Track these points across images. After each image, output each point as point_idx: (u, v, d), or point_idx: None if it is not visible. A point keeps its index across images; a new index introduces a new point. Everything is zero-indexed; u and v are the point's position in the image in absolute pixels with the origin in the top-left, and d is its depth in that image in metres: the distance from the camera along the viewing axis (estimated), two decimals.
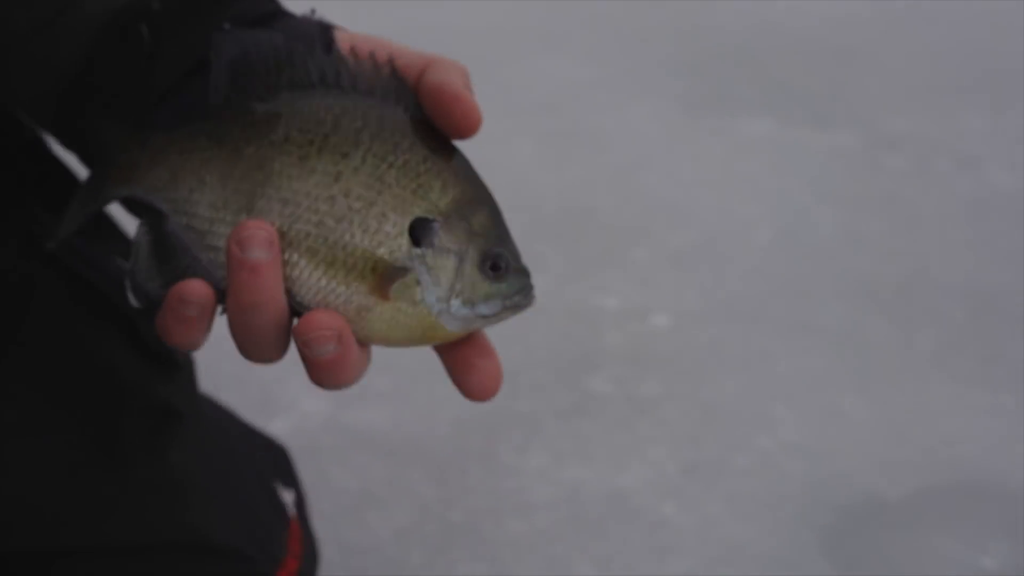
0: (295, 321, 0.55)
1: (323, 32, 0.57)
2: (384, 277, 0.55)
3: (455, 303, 0.56)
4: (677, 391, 1.27)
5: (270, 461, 0.91)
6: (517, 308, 0.57)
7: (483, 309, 0.56)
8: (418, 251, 0.56)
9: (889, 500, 1.14)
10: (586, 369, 1.31)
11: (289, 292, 0.55)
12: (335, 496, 1.13)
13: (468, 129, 0.55)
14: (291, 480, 0.92)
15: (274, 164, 0.55)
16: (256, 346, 0.55)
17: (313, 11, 0.58)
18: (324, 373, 0.54)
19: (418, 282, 0.55)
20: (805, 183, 1.69)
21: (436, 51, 0.58)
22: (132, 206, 0.60)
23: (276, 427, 1.20)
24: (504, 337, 1.35)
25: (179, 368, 0.75)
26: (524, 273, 0.57)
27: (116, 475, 0.72)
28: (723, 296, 1.44)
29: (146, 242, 0.56)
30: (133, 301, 0.55)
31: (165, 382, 0.74)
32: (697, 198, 1.64)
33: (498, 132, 1.84)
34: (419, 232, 0.56)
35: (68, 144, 0.62)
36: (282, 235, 0.55)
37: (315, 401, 1.24)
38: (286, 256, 0.55)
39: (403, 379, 1.28)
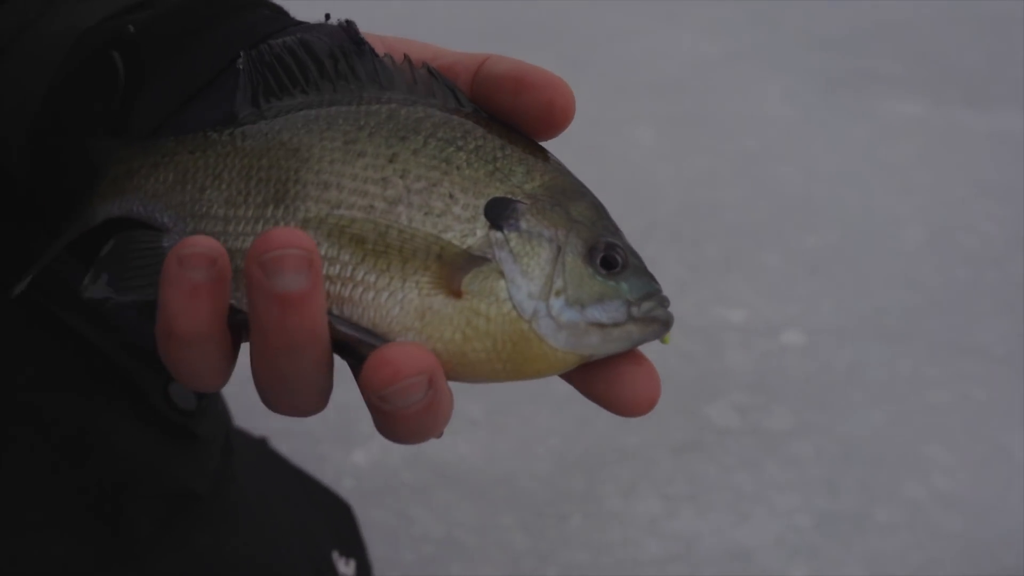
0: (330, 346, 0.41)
1: (348, 33, 0.46)
2: (453, 266, 0.42)
3: (556, 302, 0.42)
4: (811, 424, 1.11)
5: (329, 527, 0.79)
6: (650, 324, 0.43)
7: (597, 313, 0.42)
8: (499, 235, 0.42)
9: None
10: (705, 396, 1.15)
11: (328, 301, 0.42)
12: (415, 544, 1.00)
13: (562, 117, 0.44)
14: (353, 546, 0.81)
15: (313, 149, 0.44)
16: (288, 397, 0.42)
17: (327, 16, 0.47)
18: (403, 428, 0.41)
19: (501, 274, 0.42)
20: (963, 173, 1.50)
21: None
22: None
23: (355, 460, 1.08)
24: None
25: (196, 440, 0.62)
26: (651, 277, 0.44)
27: (127, 570, 0.60)
28: (866, 309, 1.26)
29: (125, 249, 0.44)
30: (90, 292, 0.43)
31: (180, 459, 0.61)
32: (837, 192, 1.46)
33: (612, 117, 1.69)
34: (499, 214, 0.43)
35: (37, 173, 0.50)
36: (320, 223, 0.42)
37: None
38: (324, 250, 0.42)
39: (499, 405, 1.14)
